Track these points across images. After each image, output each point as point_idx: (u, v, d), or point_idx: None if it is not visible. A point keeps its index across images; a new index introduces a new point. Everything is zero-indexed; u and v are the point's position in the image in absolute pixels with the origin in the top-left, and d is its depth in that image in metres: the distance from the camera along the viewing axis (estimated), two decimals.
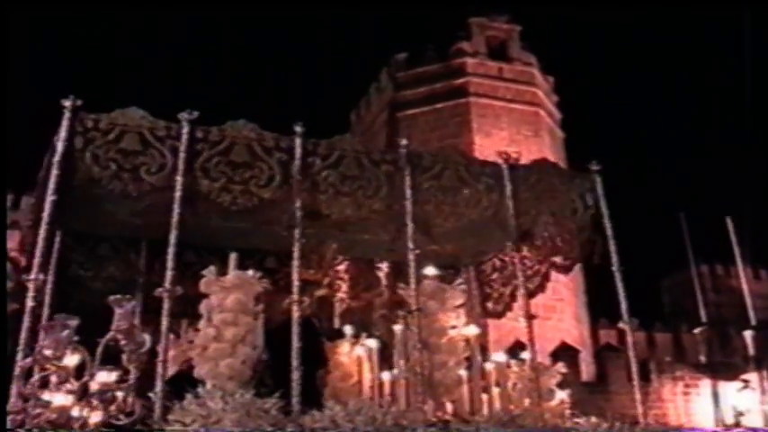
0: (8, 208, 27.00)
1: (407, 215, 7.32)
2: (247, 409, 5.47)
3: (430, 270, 7.79)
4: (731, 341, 29.13)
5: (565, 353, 22.59)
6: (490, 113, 31.54)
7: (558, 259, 8.85)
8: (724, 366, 28.25)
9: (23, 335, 5.79)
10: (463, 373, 7.44)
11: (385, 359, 8.19)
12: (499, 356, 8.03)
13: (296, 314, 6.51)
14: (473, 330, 7.84)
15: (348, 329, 8.85)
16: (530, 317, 7.81)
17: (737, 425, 27.06)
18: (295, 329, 6.43)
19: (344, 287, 9.56)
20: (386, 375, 8.19)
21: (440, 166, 7.82)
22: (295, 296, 6.59)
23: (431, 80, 32.27)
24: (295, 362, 6.28)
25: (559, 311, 28.11)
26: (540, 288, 9.00)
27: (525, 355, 8.05)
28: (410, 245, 7.28)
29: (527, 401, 7.73)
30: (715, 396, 27.67)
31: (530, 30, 34.34)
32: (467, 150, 28.54)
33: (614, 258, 8.12)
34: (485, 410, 7.48)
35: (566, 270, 8.93)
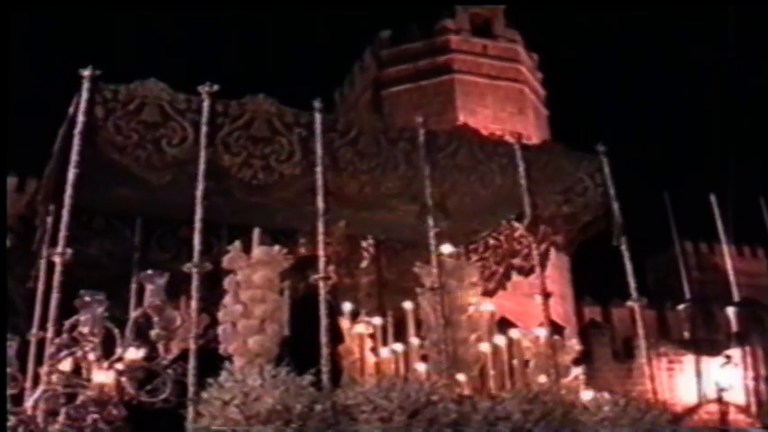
0: (12, 191, 26.73)
1: (426, 193, 7.28)
2: (287, 386, 5.40)
3: (446, 248, 7.77)
4: (715, 318, 29.40)
5: (552, 331, 22.64)
6: (474, 91, 31.46)
7: (558, 238, 8.89)
8: (707, 343, 28.51)
9: (54, 311, 5.66)
10: (484, 348, 7.45)
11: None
12: (514, 333, 8.03)
13: (323, 291, 6.45)
14: (489, 307, 7.84)
15: (347, 306, 8.83)
16: (545, 294, 7.82)
17: (720, 400, 27.38)
18: (323, 306, 6.38)
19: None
20: (385, 352, 8.23)
21: (455, 144, 7.79)
22: (321, 272, 6.51)
23: (414, 58, 32.14)
24: (324, 338, 6.24)
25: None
26: (542, 266, 9.00)
27: (540, 331, 8.07)
28: (430, 222, 7.24)
29: (542, 377, 7.75)
30: (698, 372, 27.93)
31: (514, 7, 34.25)
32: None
33: (623, 238, 8.17)
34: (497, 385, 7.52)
35: (566, 249, 8.96)
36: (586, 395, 7.50)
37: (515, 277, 9.67)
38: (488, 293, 9.73)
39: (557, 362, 7.58)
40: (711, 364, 27.86)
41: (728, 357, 27.66)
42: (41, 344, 6.20)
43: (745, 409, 27.18)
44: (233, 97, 7.06)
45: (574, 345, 8.35)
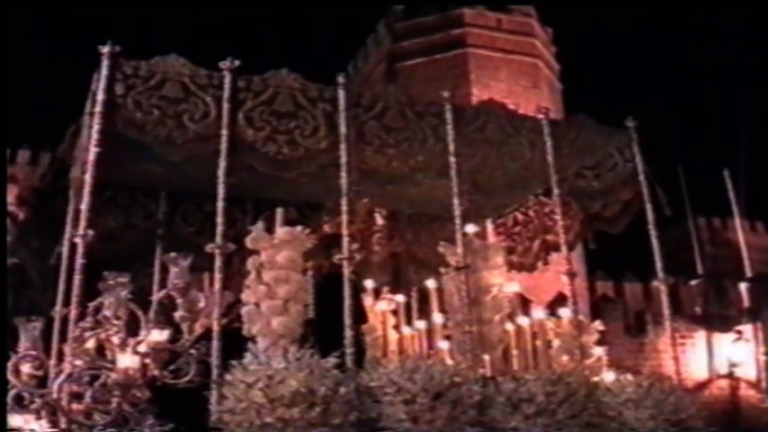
0: (26, 164, 26.80)
1: (453, 168, 7.21)
2: (311, 369, 5.35)
3: (470, 228, 7.70)
4: (727, 293, 29.29)
5: (562, 304, 22.63)
6: (489, 65, 31.20)
7: (598, 213, 8.79)
8: (719, 318, 28.44)
9: (77, 290, 5.60)
10: (508, 328, 7.41)
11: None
12: (538, 313, 7.98)
13: (347, 271, 6.39)
14: (514, 287, 7.78)
15: (369, 283, 8.78)
16: (571, 274, 7.75)
17: (731, 375, 27.38)
18: (347, 287, 6.31)
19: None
20: (407, 330, 8.18)
21: (483, 119, 7.71)
22: (345, 252, 6.45)
23: (429, 31, 31.79)
24: (348, 320, 6.19)
25: (556, 263, 28.05)
26: (572, 244, 8.89)
27: (563, 312, 8.01)
28: (456, 201, 7.17)
29: (565, 358, 7.70)
30: (710, 347, 27.89)
31: None
32: (465, 102, 28.49)
33: (650, 216, 8.08)
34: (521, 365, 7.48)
35: (611, 224, 8.83)
36: (609, 376, 7.45)
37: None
38: (526, 268, 9.66)
39: (581, 343, 7.51)
40: (723, 340, 27.81)
41: (740, 333, 27.61)
42: (65, 321, 6.15)
43: (755, 385, 27.15)
44: (249, 70, 6.97)
45: (597, 326, 8.28)
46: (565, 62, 34.62)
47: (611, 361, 9.13)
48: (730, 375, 27.55)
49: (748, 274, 30.50)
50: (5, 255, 7.83)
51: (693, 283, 29.99)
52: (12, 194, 18.39)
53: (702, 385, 27.00)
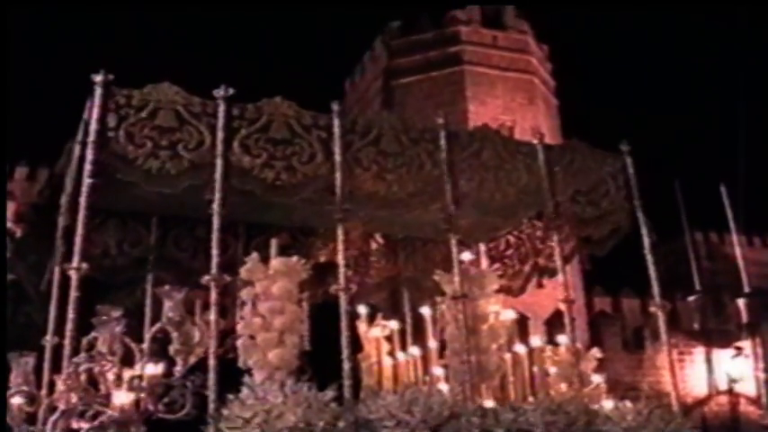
0: (23, 179, 26.78)
1: (447, 198, 7.18)
2: (309, 403, 5.30)
3: (467, 255, 7.66)
4: (725, 308, 29.24)
5: (560, 320, 22.53)
6: (485, 81, 31.29)
7: (588, 236, 8.75)
8: (718, 333, 28.39)
9: (70, 325, 5.53)
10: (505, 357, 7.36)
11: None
12: (535, 340, 7.93)
13: (343, 302, 6.34)
14: (511, 315, 7.74)
15: (363, 309, 8.73)
16: (569, 301, 7.70)
17: (730, 391, 27.30)
18: (344, 318, 6.26)
19: None
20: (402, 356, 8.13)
21: (478, 144, 7.68)
22: (342, 283, 6.40)
23: (425, 48, 31.91)
24: (345, 351, 6.13)
25: (554, 279, 27.99)
26: (564, 268, 8.84)
27: (561, 339, 7.96)
28: (451, 231, 7.13)
29: (563, 386, 7.65)
30: (709, 363, 27.83)
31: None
32: (462, 118, 28.52)
33: (646, 241, 8.04)
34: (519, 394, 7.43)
35: (599, 248, 8.80)
36: (608, 404, 7.39)
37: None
38: (512, 293, 9.60)
39: (580, 370, 7.45)
40: (722, 356, 27.75)
41: (739, 349, 27.54)
42: (57, 349, 6.08)
43: (755, 401, 27.08)
44: (244, 95, 6.90)
45: (595, 353, 8.23)
46: (561, 78, 34.76)
47: (610, 379, 9.09)
48: (730, 391, 27.47)
49: (746, 288, 30.45)
50: (5, 269, 7.79)
51: (691, 298, 29.93)
52: (9, 210, 18.30)
53: (702, 401, 26.91)
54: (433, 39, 32.06)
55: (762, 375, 27.18)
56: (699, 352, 27.93)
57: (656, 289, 7.91)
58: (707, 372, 27.72)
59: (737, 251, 32.37)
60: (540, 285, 9.55)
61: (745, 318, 28.44)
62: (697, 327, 28.85)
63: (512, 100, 31.20)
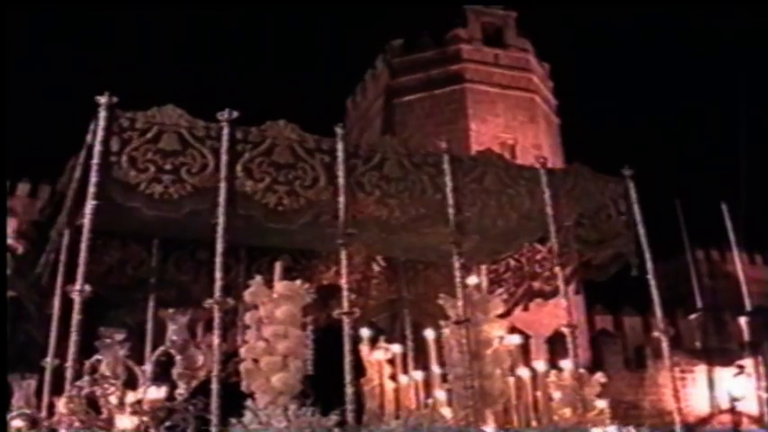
0: (25, 196, 26.76)
1: (451, 222, 7.18)
2: (312, 428, 5.28)
3: (472, 279, 7.66)
4: (727, 327, 29.19)
5: (562, 340, 22.42)
6: (486, 99, 31.31)
7: (590, 261, 8.74)
8: (719, 352, 28.34)
9: (73, 348, 5.51)
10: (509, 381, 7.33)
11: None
12: (539, 365, 7.90)
13: (347, 326, 6.33)
14: (516, 340, 7.72)
15: (365, 332, 8.70)
16: (571, 326, 7.68)
17: (733, 410, 27.21)
18: (347, 342, 6.25)
19: None
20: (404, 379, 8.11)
21: (481, 169, 7.69)
22: (345, 307, 6.39)
23: (426, 66, 31.95)
24: (348, 376, 6.12)
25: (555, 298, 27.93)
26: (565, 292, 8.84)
27: (565, 364, 7.93)
28: (455, 255, 7.13)
29: (567, 411, 7.62)
30: (710, 382, 27.77)
31: (525, 16, 34.14)
32: (463, 137, 28.57)
33: (649, 266, 8.03)
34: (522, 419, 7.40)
35: (600, 273, 8.80)
36: (611, 430, 7.37)
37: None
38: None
39: (583, 396, 7.43)
40: (724, 374, 27.69)
41: (741, 367, 27.49)
42: (57, 371, 6.07)
43: (758, 420, 26.99)
44: (247, 109, 6.89)
45: (598, 378, 8.19)
46: (562, 96, 34.81)
47: (612, 398, 9.06)
48: (732, 410, 27.38)
49: (748, 307, 30.37)
50: (5, 285, 7.79)
51: (693, 316, 29.88)
52: (10, 227, 18.29)
53: (704, 420, 26.83)
54: (434, 57, 32.11)
55: (764, 394, 27.12)
56: (701, 370, 27.89)
57: (659, 314, 7.88)
58: (709, 390, 27.63)
59: (739, 269, 32.29)
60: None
61: (746, 336, 28.40)
62: (699, 345, 28.79)
63: (513, 118, 31.21)
